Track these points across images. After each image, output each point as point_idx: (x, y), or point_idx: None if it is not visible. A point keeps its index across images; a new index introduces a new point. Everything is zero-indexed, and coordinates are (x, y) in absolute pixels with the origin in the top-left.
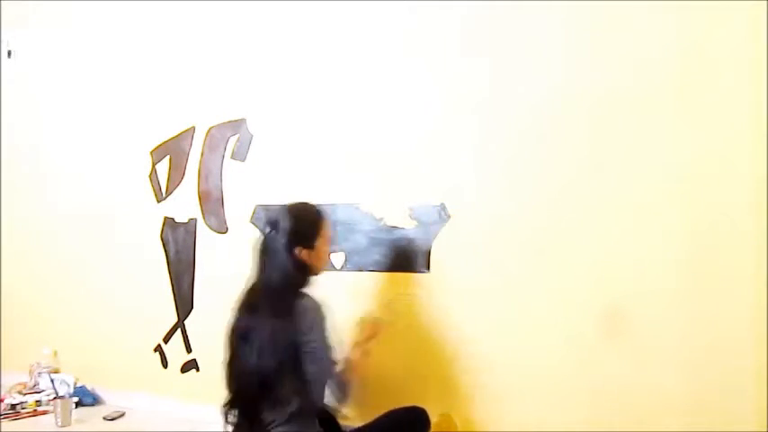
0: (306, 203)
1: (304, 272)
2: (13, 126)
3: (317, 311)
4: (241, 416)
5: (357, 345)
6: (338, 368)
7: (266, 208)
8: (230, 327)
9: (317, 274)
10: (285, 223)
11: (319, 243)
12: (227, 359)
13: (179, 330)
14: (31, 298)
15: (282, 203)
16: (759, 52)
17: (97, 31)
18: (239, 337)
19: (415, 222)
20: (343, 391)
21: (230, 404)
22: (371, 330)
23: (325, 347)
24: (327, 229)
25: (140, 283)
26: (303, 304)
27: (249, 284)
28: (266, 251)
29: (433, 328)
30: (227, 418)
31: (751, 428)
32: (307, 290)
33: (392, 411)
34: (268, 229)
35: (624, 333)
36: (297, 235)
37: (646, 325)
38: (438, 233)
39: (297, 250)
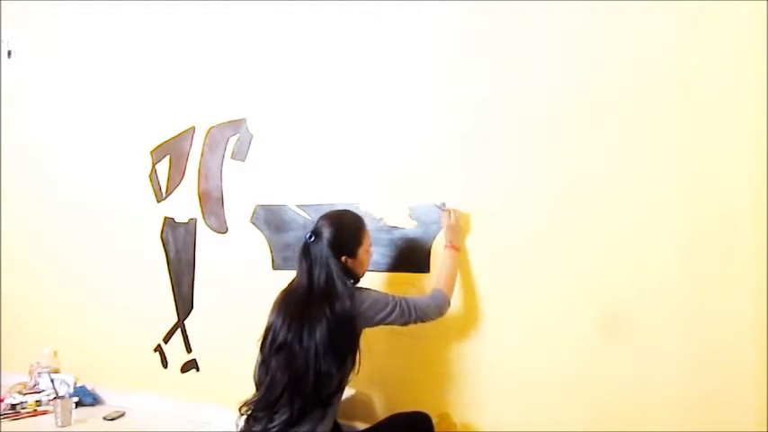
0: (348, 212)
1: (349, 277)
2: (12, 126)
3: (367, 293)
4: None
5: (456, 247)
6: (437, 287)
7: (266, 208)
8: (276, 328)
9: (359, 279)
10: (328, 233)
11: (361, 251)
12: (266, 358)
13: (179, 330)
14: (31, 298)
15: (329, 211)
16: (759, 52)
17: (97, 31)
18: (291, 340)
19: (414, 222)
20: (446, 305)
21: (262, 405)
22: (457, 225)
23: (398, 304)
24: (368, 238)
25: (140, 283)
26: (360, 296)
27: (294, 288)
28: (311, 257)
29: (432, 329)
30: (248, 418)
31: (751, 428)
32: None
33: (395, 415)
34: (311, 236)
35: (624, 333)
36: (341, 244)
37: (646, 325)
38: (438, 233)
39: (342, 259)
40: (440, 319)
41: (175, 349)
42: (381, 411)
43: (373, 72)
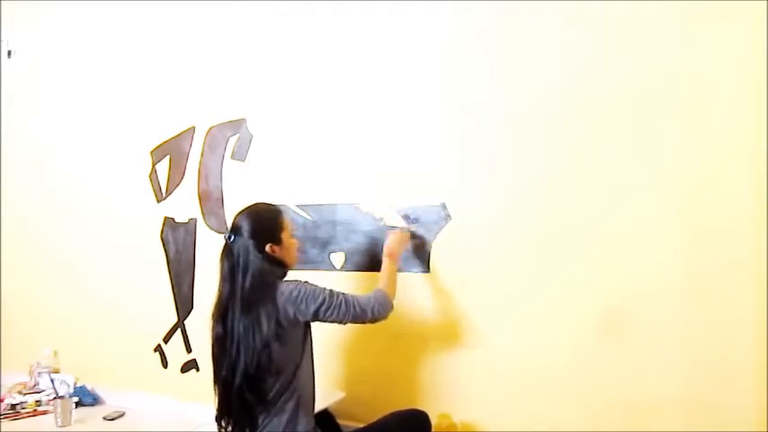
0: (259, 202)
1: (279, 266)
2: (13, 126)
3: (298, 285)
4: (236, 424)
5: (390, 255)
6: (377, 288)
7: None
8: (215, 337)
9: (290, 267)
10: (247, 225)
11: (285, 236)
12: (216, 367)
13: (179, 330)
14: (31, 298)
15: (239, 209)
16: (759, 53)
17: (97, 31)
18: (225, 344)
19: (414, 222)
20: (387, 303)
21: (223, 413)
22: (401, 240)
23: (335, 296)
24: (288, 222)
25: (140, 283)
26: (283, 289)
27: (223, 293)
28: (234, 257)
29: (432, 329)
30: (222, 427)
31: (751, 428)
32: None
33: (393, 413)
34: (230, 236)
35: (624, 333)
36: (263, 233)
37: (646, 325)
38: (438, 233)
39: (268, 247)
40: (440, 319)
41: (175, 349)
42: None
43: (373, 72)
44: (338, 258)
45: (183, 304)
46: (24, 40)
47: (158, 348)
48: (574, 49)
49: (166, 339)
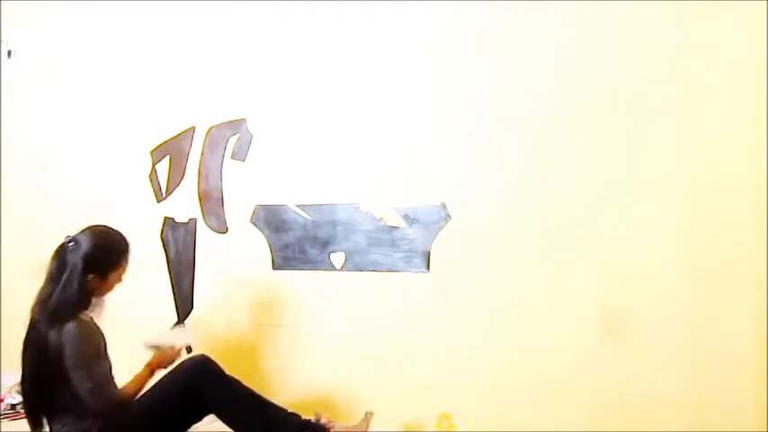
0: (113, 231)
1: (88, 296)
2: (13, 126)
3: (80, 339)
4: (30, 424)
5: (151, 365)
6: (110, 392)
7: (266, 208)
8: (25, 335)
9: (100, 297)
10: (87, 246)
11: (112, 276)
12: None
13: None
14: (31, 298)
15: (89, 226)
16: (759, 52)
17: (97, 31)
18: (26, 347)
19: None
20: (109, 401)
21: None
22: (168, 358)
23: (81, 377)
24: (125, 263)
25: (140, 284)
26: (69, 329)
27: (41, 292)
28: (62, 264)
29: (432, 329)
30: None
31: (751, 428)
32: (86, 312)
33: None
34: (70, 241)
35: (625, 333)
36: (93, 262)
37: (646, 325)
38: (438, 233)
39: (90, 276)
40: (440, 319)
41: None
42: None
43: (373, 73)
44: (338, 258)
45: (183, 304)
46: (24, 40)
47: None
48: (573, 50)
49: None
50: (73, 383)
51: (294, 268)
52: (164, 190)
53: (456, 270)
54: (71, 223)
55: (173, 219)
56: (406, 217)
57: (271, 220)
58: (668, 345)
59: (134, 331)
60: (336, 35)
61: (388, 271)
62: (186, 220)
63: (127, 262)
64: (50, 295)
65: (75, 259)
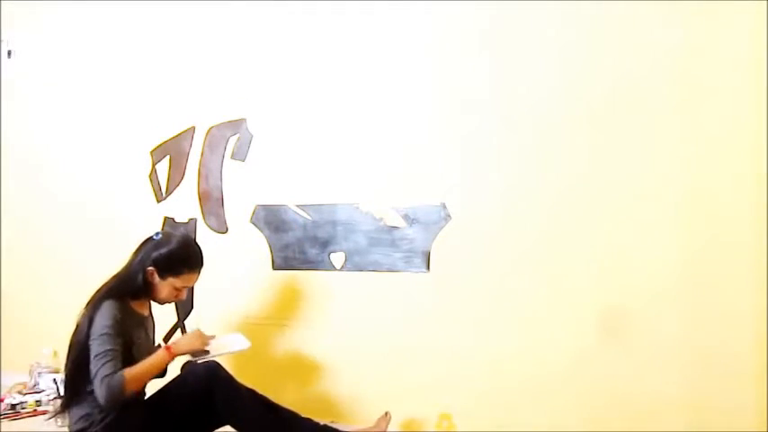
0: (194, 245)
1: (144, 289)
2: (13, 126)
3: (105, 315)
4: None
5: (170, 349)
6: (119, 376)
7: (266, 208)
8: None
9: (154, 300)
10: (163, 242)
11: (170, 281)
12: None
13: (179, 330)
14: (31, 298)
15: (184, 233)
16: (759, 52)
17: (97, 30)
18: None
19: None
20: (117, 392)
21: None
22: (192, 346)
23: (100, 353)
24: (189, 280)
25: None
26: (105, 306)
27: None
28: (139, 251)
29: (432, 329)
30: None
31: (751, 428)
32: (132, 302)
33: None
34: (158, 235)
35: (625, 333)
36: (162, 258)
37: (646, 325)
38: (438, 233)
39: (150, 269)
40: (440, 319)
41: None
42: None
43: (373, 72)
44: (338, 258)
45: (183, 304)
46: (24, 40)
47: (158, 348)
48: (573, 50)
49: (166, 339)
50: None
51: (294, 268)
52: (164, 190)
53: (456, 270)
54: (71, 223)
55: (173, 219)
56: (406, 217)
57: (271, 220)
58: (668, 345)
59: None
60: (336, 35)
61: (388, 271)
62: (186, 220)
63: (188, 278)
64: (115, 278)
65: (149, 249)
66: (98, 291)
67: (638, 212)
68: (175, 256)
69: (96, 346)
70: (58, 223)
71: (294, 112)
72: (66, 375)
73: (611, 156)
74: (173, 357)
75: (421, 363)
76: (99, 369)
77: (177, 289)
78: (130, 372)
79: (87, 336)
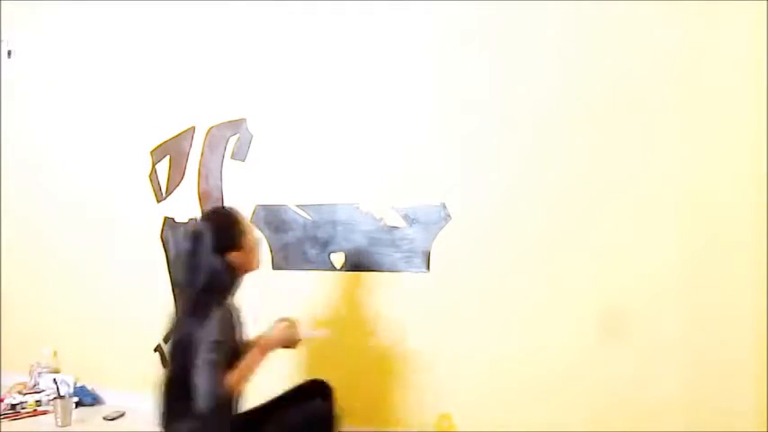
0: (219, 207)
1: (233, 274)
2: (13, 126)
3: (223, 322)
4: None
5: (263, 347)
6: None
7: (266, 208)
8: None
9: (249, 271)
10: (208, 232)
11: (246, 241)
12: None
13: None
14: (31, 298)
15: (197, 216)
16: (759, 52)
17: (97, 31)
18: (168, 342)
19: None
20: (216, 399)
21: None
22: (291, 339)
23: (208, 362)
24: (250, 227)
25: (140, 283)
26: (215, 313)
27: (180, 295)
28: (191, 261)
29: (432, 329)
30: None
31: (751, 428)
32: (231, 295)
33: (294, 388)
34: (189, 243)
35: (624, 333)
36: (224, 239)
37: (646, 326)
38: (438, 233)
39: (228, 254)
40: (440, 319)
41: None
42: (381, 411)
43: (373, 73)
44: (338, 258)
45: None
46: (24, 40)
47: (158, 348)
48: (573, 50)
49: (166, 339)
50: (197, 370)
51: (294, 268)
52: (164, 190)
53: (456, 270)
54: (71, 223)
55: (173, 219)
56: (406, 217)
57: (271, 220)
58: (668, 345)
59: (134, 331)
60: (336, 35)
61: (388, 271)
62: (186, 220)
63: (249, 225)
64: (194, 288)
65: (205, 246)
66: (190, 308)
67: (638, 212)
68: (226, 227)
69: (205, 353)
70: (57, 223)
71: (294, 112)
72: (165, 392)
73: (611, 156)
74: (266, 355)
75: (421, 363)
76: (203, 379)
77: (252, 246)
78: (230, 379)
79: (192, 347)
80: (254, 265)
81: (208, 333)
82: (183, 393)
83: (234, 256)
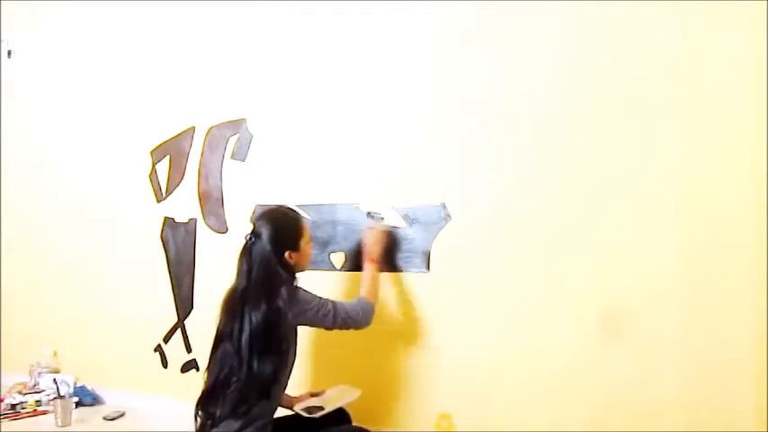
0: (284, 207)
1: (291, 273)
2: (13, 126)
3: (297, 290)
4: (207, 413)
5: (370, 258)
6: (361, 295)
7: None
8: (218, 327)
9: (301, 271)
10: (270, 230)
11: (303, 243)
12: (212, 357)
13: (179, 330)
14: (31, 298)
15: (263, 210)
16: (759, 52)
17: (97, 31)
18: (227, 336)
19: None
20: (371, 311)
21: (205, 400)
22: (376, 239)
23: (325, 304)
24: (307, 230)
25: (140, 283)
26: (294, 295)
27: (234, 287)
28: (251, 259)
29: (432, 328)
30: (198, 416)
31: (751, 428)
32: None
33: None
34: (251, 238)
35: (624, 333)
36: (283, 240)
37: (646, 326)
38: (438, 233)
39: (286, 255)
40: (440, 319)
41: (175, 349)
42: (382, 411)
43: (373, 72)
44: (338, 258)
45: (183, 304)
46: (24, 40)
47: (158, 348)
48: (573, 50)
49: (166, 339)
50: (322, 327)
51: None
52: (164, 190)
53: (456, 270)
54: (71, 223)
55: (173, 219)
56: (406, 217)
57: None
58: (668, 345)
59: (134, 331)
60: (336, 35)
61: (388, 271)
62: (186, 220)
63: (307, 228)
64: (246, 289)
65: (263, 248)
66: (243, 308)
67: (637, 212)
68: (286, 228)
69: (316, 308)
70: (58, 223)
71: (294, 112)
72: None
73: (611, 156)
74: (377, 263)
75: (421, 362)
76: (340, 312)
77: (309, 242)
78: (368, 294)
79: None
80: (305, 267)
81: (306, 303)
82: (244, 395)
83: (290, 256)
